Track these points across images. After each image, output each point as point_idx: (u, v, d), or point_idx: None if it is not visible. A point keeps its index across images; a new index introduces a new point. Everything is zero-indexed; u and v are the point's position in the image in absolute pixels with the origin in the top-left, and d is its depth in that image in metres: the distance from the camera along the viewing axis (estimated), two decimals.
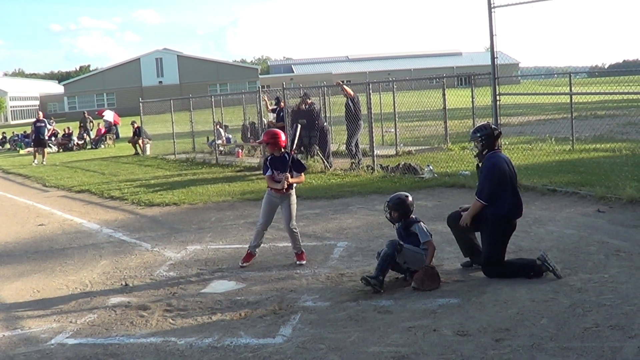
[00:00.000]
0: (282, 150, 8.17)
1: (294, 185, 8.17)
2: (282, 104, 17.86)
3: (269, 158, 8.23)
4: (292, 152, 8.21)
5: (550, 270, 6.64)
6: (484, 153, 7.05)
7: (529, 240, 8.19)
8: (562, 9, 10.94)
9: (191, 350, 5.55)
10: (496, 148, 7.05)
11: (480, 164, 7.17)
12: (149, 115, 28.48)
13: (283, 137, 8.19)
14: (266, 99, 19.58)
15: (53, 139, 34.75)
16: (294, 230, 8.11)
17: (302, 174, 8.26)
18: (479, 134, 7.06)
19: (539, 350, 4.96)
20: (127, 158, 25.98)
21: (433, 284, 6.61)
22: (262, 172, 8.63)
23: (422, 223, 6.98)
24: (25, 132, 39.43)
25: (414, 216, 7.06)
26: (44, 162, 25.62)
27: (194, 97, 24.91)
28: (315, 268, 7.81)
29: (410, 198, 7.09)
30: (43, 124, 26.61)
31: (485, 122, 7.32)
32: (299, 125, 8.81)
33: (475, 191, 7.03)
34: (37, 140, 26.52)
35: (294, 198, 8.18)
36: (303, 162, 8.31)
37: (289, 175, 7.98)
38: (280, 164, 8.07)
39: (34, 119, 27.55)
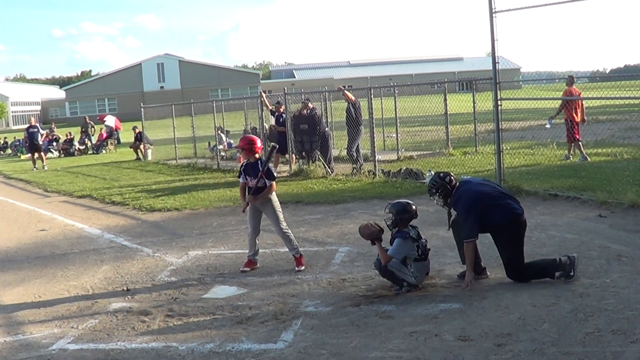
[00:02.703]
0: (257, 156, 8.22)
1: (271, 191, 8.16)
2: (281, 108, 17.83)
3: (244, 165, 8.32)
4: (262, 174, 8.09)
5: (572, 274, 6.63)
6: (448, 201, 7.11)
7: (531, 245, 8.18)
8: (563, 14, 10.94)
9: (193, 355, 5.55)
10: (455, 188, 7.05)
11: (450, 210, 7.23)
12: (150, 121, 28.49)
13: (259, 143, 8.31)
14: (264, 96, 19.52)
15: (54, 144, 34.82)
16: (285, 231, 8.14)
17: (274, 182, 8.17)
18: (434, 190, 7.13)
19: (540, 355, 4.95)
20: (128, 163, 25.99)
21: (364, 229, 7.06)
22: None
23: (403, 240, 6.83)
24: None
25: (411, 226, 6.99)
26: (45, 167, 25.64)
27: (196, 102, 24.94)
28: (316, 273, 7.81)
29: (411, 207, 7.02)
30: (36, 129, 26.67)
31: (433, 173, 7.38)
32: (276, 146, 8.98)
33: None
34: (32, 145, 26.61)
35: (275, 201, 8.19)
36: (273, 170, 8.40)
37: (250, 199, 8.09)
38: (252, 171, 8.12)
39: (27, 125, 27.62)
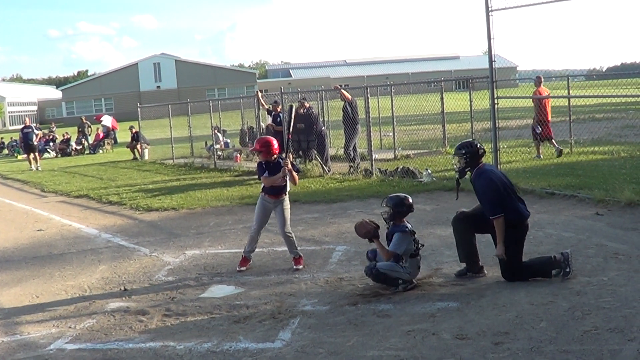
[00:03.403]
0: (275, 156, 8.14)
1: (287, 189, 8.18)
2: (278, 107, 17.82)
3: (263, 163, 8.22)
4: (289, 137, 8.32)
5: (568, 271, 6.65)
6: (466, 170, 7.10)
7: (528, 243, 8.13)
8: (560, 12, 10.94)
9: (190, 355, 5.54)
10: (480, 165, 7.05)
11: (460, 179, 7.30)
12: (147, 120, 28.50)
13: (275, 144, 8.16)
14: (260, 95, 19.52)
15: (51, 144, 34.77)
16: (289, 234, 8.12)
17: (297, 175, 8.27)
18: (463, 151, 7.08)
19: (538, 354, 4.95)
20: (125, 163, 25.96)
21: (361, 227, 7.04)
22: (257, 176, 8.50)
23: (403, 234, 6.85)
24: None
25: (405, 222, 7.01)
26: (38, 168, 25.59)
27: (192, 101, 24.91)
28: (314, 272, 7.81)
29: (408, 200, 7.05)
30: (30, 130, 26.65)
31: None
32: (293, 106, 8.88)
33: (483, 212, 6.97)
34: (27, 146, 26.58)
35: (287, 203, 8.20)
36: (299, 166, 8.40)
37: (289, 162, 7.97)
38: (275, 170, 8.07)
39: (22, 125, 27.60)
